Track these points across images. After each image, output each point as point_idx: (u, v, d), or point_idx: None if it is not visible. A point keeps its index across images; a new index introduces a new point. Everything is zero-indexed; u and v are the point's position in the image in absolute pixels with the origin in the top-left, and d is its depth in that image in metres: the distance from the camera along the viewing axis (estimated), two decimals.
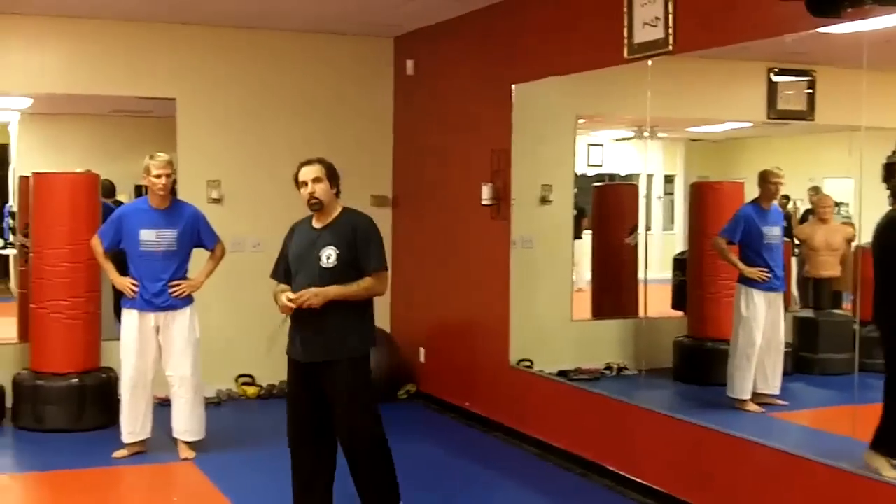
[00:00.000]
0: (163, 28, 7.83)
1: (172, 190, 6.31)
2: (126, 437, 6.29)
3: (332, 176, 4.91)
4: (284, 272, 4.99)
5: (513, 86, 6.88)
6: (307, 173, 4.89)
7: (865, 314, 6.20)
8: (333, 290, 4.70)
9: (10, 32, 7.51)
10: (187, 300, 6.26)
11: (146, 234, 6.13)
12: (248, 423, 7.46)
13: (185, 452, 6.31)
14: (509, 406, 6.96)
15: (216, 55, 8.05)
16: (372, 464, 4.86)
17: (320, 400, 4.83)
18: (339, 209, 4.92)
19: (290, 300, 4.72)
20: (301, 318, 4.80)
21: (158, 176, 6.10)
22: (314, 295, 4.68)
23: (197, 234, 6.29)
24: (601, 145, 8.23)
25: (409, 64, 8.20)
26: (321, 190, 4.84)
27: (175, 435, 6.36)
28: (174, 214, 6.22)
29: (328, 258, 4.75)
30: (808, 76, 5.96)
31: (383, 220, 8.50)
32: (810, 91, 5.99)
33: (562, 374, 6.79)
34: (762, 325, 6.34)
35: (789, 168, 6.56)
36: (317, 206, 4.85)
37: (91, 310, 7.06)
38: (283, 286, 4.92)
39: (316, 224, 4.89)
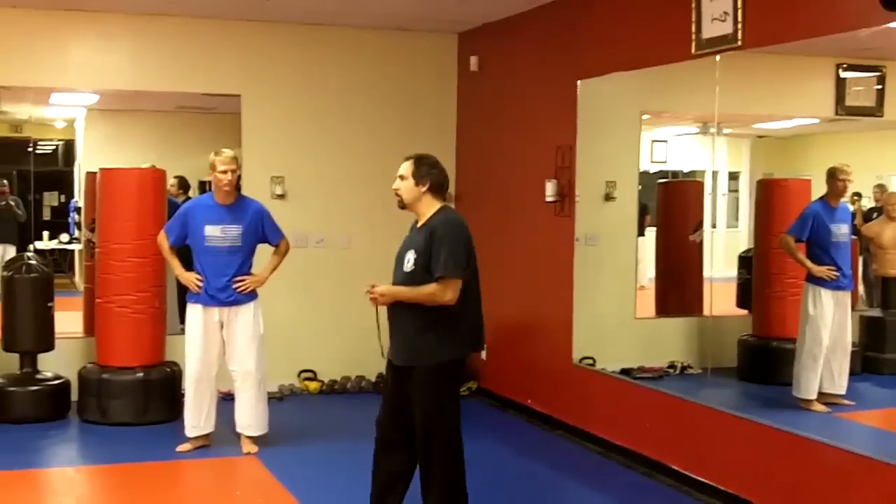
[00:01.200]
0: (227, 25, 7.90)
1: (237, 186, 6.35)
2: (190, 431, 6.35)
3: (421, 174, 4.70)
4: None
5: (578, 82, 6.83)
6: (400, 169, 4.80)
7: None
8: (403, 292, 4.61)
9: (77, 29, 7.63)
10: (251, 295, 6.31)
11: (211, 230, 6.18)
12: (310, 418, 7.50)
13: (248, 447, 6.37)
14: (571, 404, 6.93)
15: (280, 52, 8.10)
16: (441, 474, 4.66)
17: (406, 402, 4.70)
18: (434, 209, 4.71)
19: (368, 291, 4.68)
20: (390, 319, 4.76)
21: (224, 172, 6.15)
22: (381, 294, 4.65)
23: (261, 229, 6.33)
24: (665, 141, 8.16)
25: (473, 60, 8.19)
26: (404, 188, 4.73)
27: (238, 429, 6.41)
28: (239, 210, 6.26)
29: (408, 262, 4.66)
30: (877, 72, 5.85)
31: None
32: (879, 87, 5.89)
33: (624, 372, 6.73)
34: (829, 324, 6.24)
35: (857, 165, 6.44)
36: (399, 204, 4.78)
37: (156, 305, 7.14)
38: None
39: (417, 223, 4.79)
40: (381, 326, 4.85)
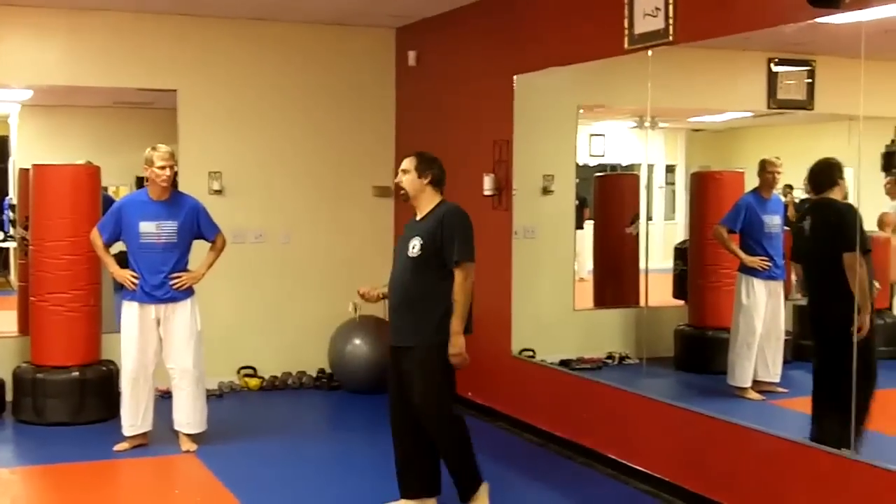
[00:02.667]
0: (163, 19, 7.82)
1: (173, 182, 6.31)
2: (127, 430, 6.30)
3: (423, 168, 5.02)
4: None
5: (514, 76, 6.87)
6: (402, 164, 5.11)
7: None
8: (456, 327, 4.86)
9: (11, 24, 7.50)
10: (188, 292, 6.26)
11: (146, 227, 6.13)
12: (250, 415, 7.47)
13: (187, 445, 6.33)
14: (511, 396, 6.98)
15: (217, 47, 8.04)
16: (445, 445, 5.02)
17: (404, 384, 5.03)
18: (436, 201, 5.03)
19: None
20: (396, 303, 5.07)
21: (162, 167, 6.09)
22: (457, 357, 4.89)
23: (197, 225, 6.29)
24: (603, 135, 8.24)
25: (412, 55, 8.19)
26: (407, 180, 5.03)
27: (176, 427, 6.37)
28: (174, 206, 6.21)
29: (413, 247, 4.92)
30: (807, 66, 5.96)
31: (385, 211, 8.59)
32: (810, 81, 5.99)
33: (564, 363, 6.81)
34: (762, 313, 6.36)
35: (789, 157, 6.56)
36: (403, 195, 5.08)
37: (92, 302, 7.06)
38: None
39: (417, 216, 5.07)
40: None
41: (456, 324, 4.87)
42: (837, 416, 4.77)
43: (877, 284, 5.33)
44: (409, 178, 5.03)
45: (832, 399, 4.99)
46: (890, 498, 4.21)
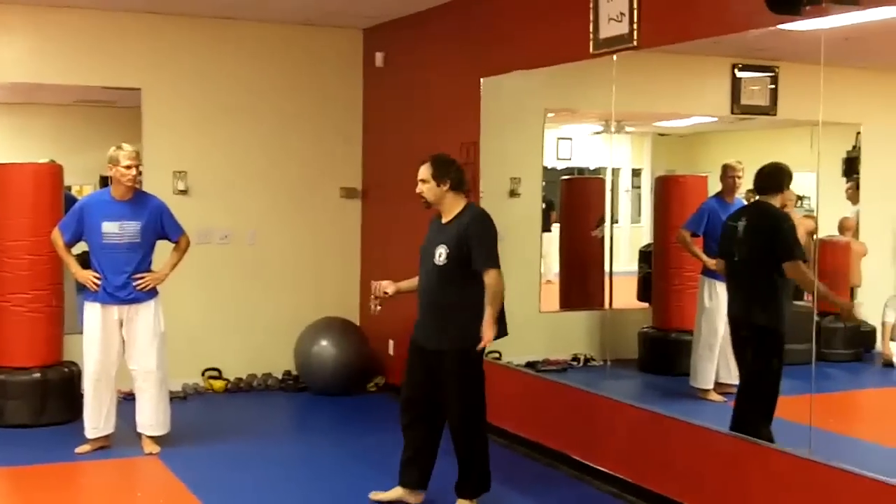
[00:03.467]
0: (128, 17, 7.78)
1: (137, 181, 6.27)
2: (89, 433, 6.26)
3: (440, 175, 5.05)
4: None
5: (481, 79, 6.89)
6: (419, 173, 5.13)
7: (824, 306, 6.27)
8: (487, 322, 4.91)
9: None
10: (151, 293, 6.23)
11: (109, 227, 6.09)
12: (215, 417, 7.44)
13: (150, 447, 6.29)
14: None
15: (182, 45, 8.01)
16: (474, 444, 5.15)
17: (433, 384, 5.15)
18: (461, 205, 5.10)
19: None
20: (425, 304, 5.16)
21: (129, 167, 6.06)
22: (486, 342, 4.94)
23: (160, 225, 6.26)
24: (570, 139, 8.26)
25: (379, 56, 8.19)
26: (426, 189, 5.08)
27: (139, 429, 6.33)
28: (137, 206, 6.17)
29: (440, 256, 5.01)
30: (771, 72, 6.01)
31: (352, 212, 8.59)
32: (773, 86, 6.04)
33: (529, 365, 6.83)
34: (725, 316, 6.38)
35: (753, 162, 6.58)
36: (425, 204, 5.14)
37: (54, 303, 7.01)
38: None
39: (442, 219, 5.14)
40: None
41: (488, 316, 4.91)
42: (760, 408, 5.03)
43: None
44: (428, 187, 5.08)
45: (756, 393, 5.19)
46: (846, 497, 4.26)
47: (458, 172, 5.11)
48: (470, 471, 5.22)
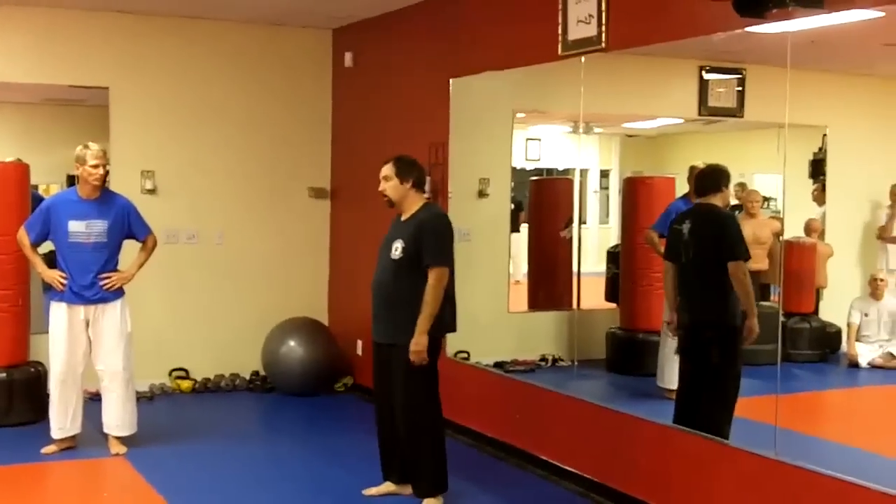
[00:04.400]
0: (95, 16, 7.72)
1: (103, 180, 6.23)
2: (55, 433, 6.21)
3: (403, 173, 5.19)
4: None
5: (450, 80, 6.90)
6: (382, 171, 5.25)
7: (789, 306, 6.33)
8: (422, 327, 5.03)
9: None
10: (118, 293, 6.20)
11: (75, 226, 6.05)
12: (182, 417, 7.41)
13: (117, 448, 6.26)
14: (445, 397, 6.89)
15: (151, 44, 7.96)
16: (423, 440, 5.23)
17: (389, 377, 5.25)
18: (419, 204, 5.23)
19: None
20: (378, 299, 5.26)
21: (96, 166, 6.03)
22: (417, 354, 5.06)
23: (127, 225, 6.22)
24: (539, 140, 8.29)
25: (348, 56, 8.19)
26: (389, 187, 5.21)
27: (106, 430, 6.30)
28: (104, 205, 6.14)
29: (396, 250, 5.13)
30: (738, 74, 6.06)
31: (321, 213, 8.58)
32: (740, 89, 6.09)
33: (498, 365, 6.85)
34: None
35: (720, 163, 6.66)
36: (387, 202, 5.25)
37: (20, 303, 6.93)
38: None
39: (402, 217, 5.26)
40: None
41: (422, 323, 5.04)
42: (710, 407, 5.14)
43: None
44: (391, 184, 5.19)
45: (703, 393, 5.27)
46: (811, 496, 4.30)
47: (420, 172, 5.26)
48: (422, 469, 5.26)
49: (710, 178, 5.53)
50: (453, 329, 5.31)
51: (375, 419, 5.45)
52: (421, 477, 5.29)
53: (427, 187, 6.95)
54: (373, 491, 5.45)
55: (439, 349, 5.26)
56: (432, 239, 5.10)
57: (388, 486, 5.45)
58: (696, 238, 5.47)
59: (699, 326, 5.45)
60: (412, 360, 5.07)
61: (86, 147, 6.06)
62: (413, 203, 5.23)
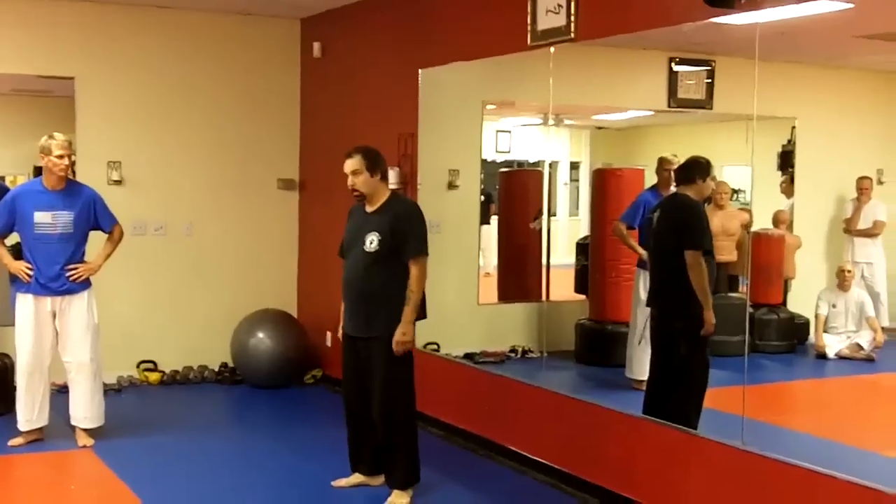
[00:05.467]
0: (61, 5, 7.64)
1: (71, 172, 6.18)
2: (23, 425, 6.16)
3: (372, 165, 5.13)
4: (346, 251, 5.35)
5: (419, 70, 6.88)
6: (347, 166, 5.17)
7: (758, 297, 6.36)
8: (408, 317, 5.06)
9: None
10: (85, 284, 6.15)
11: (41, 217, 6.00)
12: (150, 409, 7.36)
13: (84, 440, 6.21)
14: (415, 389, 6.97)
15: (118, 34, 7.87)
16: (400, 432, 5.22)
17: (366, 372, 5.21)
18: (386, 195, 5.20)
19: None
20: (352, 293, 5.21)
21: (61, 156, 5.97)
22: (404, 344, 5.09)
23: (93, 216, 6.17)
24: (509, 132, 8.29)
25: (316, 46, 8.14)
26: (361, 182, 5.13)
27: (73, 422, 6.25)
28: (70, 196, 6.09)
29: (371, 243, 5.07)
30: (707, 66, 6.08)
31: (290, 204, 8.54)
32: (709, 81, 6.12)
33: (468, 356, 6.86)
34: None
35: (689, 156, 6.68)
36: (360, 197, 5.19)
37: None
38: None
39: (367, 208, 5.20)
40: None
41: (408, 313, 5.06)
42: (677, 397, 5.17)
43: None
44: (362, 178, 5.13)
45: (670, 383, 5.28)
46: (778, 486, 4.33)
47: (385, 162, 5.26)
48: (396, 460, 5.26)
49: (684, 171, 5.57)
50: (424, 316, 5.31)
51: (345, 412, 5.42)
52: (396, 468, 5.27)
53: (396, 178, 7.06)
54: (342, 482, 5.45)
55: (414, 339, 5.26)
56: (412, 230, 5.09)
57: (357, 478, 5.45)
58: (661, 227, 5.51)
59: (665, 316, 5.47)
60: (397, 350, 5.06)
61: (51, 137, 6.00)
62: (381, 194, 5.20)
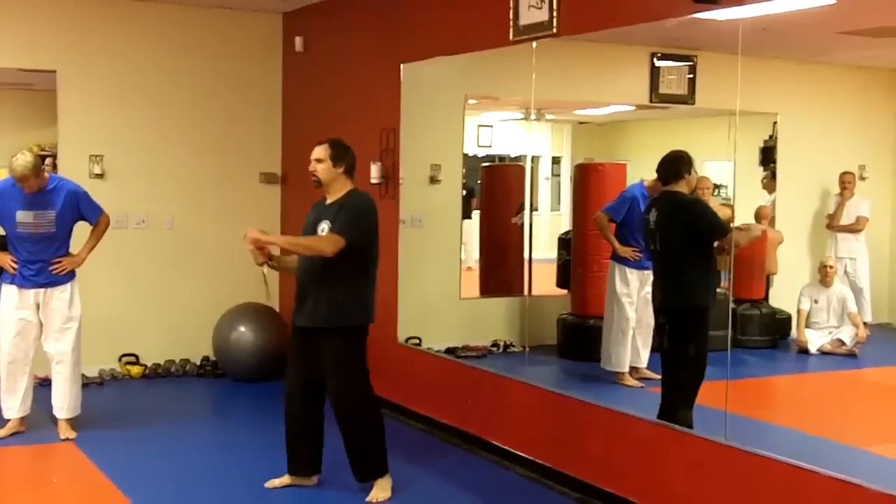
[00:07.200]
0: None
1: (53, 166, 6.15)
2: (5, 413, 6.18)
3: (337, 157, 5.14)
4: None
5: (401, 65, 6.87)
6: (314, 153, 5.20)
7: (740, 293, 6.39)
8: (279, 238, 5.34)
9: None
10: (69, 276, 6.15)
11: (23, 216, 5.99)
12: (131, 403, 7.34)
13: (66, 432, 6.21)
14: (397, 383, 6.98)
15: (99, 27, 7.84)
16: (357, 430, 5.17)
17: (314, 363, 5.15)
18: (347, 189, 5.18)
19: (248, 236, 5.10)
20: (303, 282, 5.16)
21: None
22: (254, 239, 5.10)
23: (77, 211, 6.15)
24: (491, 126, 8.30)
25: (298, 41, 8.12)
26: (321, 169, 5.15)
27: (54, 412, 6.25)
28: (51, 194, 6.06)
29: (322, 231, 5.06)
30: (689, 61, 6.10)
31: (272, 198, 8.52)
32: (691, 76, 6.14)
33: (449, 351, 6.86)
34: (636, 301, 6.45)
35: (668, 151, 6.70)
36: (316, 182, 5.19)
37: None
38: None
39: (326, 201, 5.21)
40: (268, 284, 5.56)
41: (281, 239, 5.38)
42: (685, 393, 5.09)
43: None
44: (323, 166, 5.14)
45: (682, 378, 5.21)
46: (761, 481, 4.35)
47: (353, 159, 5.22)
48: (359, 452, 5.22)
49: (670, 167, 5.43)
50: (372, 320, 5.21)
51: (286, 408, 5.32)
52: (359, 461, 5.23)
53: (378, 173, 7.06)
54: (276, 483, 5.37)
55: (367, 335, 5.17)
56: (351, 218, 5.03)
57: (290, 479, 5.38)
58: (661, 227, 5.40)
59: (665, 311, 5.42)
60: (248, 236, 5.07)
61: (13, 160, 5.88)
62: (341, 188, 5.17)
